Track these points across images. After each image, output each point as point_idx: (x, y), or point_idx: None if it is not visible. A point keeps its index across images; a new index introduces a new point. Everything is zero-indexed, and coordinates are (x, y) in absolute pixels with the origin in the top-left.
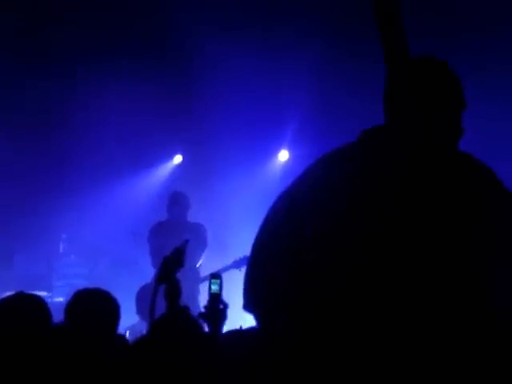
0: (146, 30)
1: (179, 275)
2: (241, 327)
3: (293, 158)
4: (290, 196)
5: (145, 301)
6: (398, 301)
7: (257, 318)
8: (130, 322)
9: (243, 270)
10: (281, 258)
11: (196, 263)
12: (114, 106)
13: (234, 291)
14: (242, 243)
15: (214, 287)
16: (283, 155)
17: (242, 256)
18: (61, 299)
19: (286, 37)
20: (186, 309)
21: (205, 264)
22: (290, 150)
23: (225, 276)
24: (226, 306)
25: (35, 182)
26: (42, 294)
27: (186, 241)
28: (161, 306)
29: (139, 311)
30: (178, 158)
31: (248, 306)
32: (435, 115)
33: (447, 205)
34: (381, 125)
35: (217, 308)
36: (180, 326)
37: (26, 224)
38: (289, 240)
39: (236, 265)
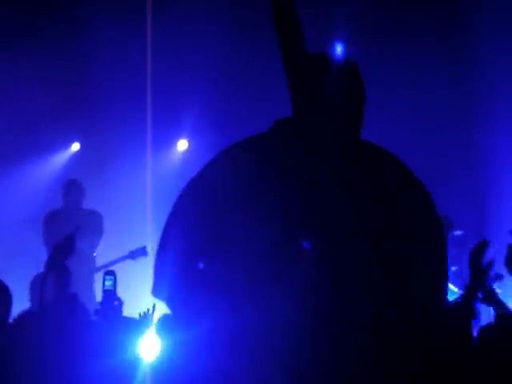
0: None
1: (73, 262)
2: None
3: (192, 147)
4: (199, 184)
5: (37, 289)
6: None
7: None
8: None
9: (138, 260)
10: (187, 251)
11: (92, 251)
12: (10, 89)
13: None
14: (138, 232)
15: (108, 283)
16: (182, 144)
17: (138, 247)
18: None
19: (184, 18)
20: (74, 296)
21: (101, 253)
22: (190, 139)
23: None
24: (120, 302)
25: None
26: None
27: (77, 227)
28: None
29: (32, 300)
30: (75, 146)
31: (157, 295)
32: (337, 108)
33: (356, 191)
34: (287, 117)
35: (111, 305)
36: (67, 312)
37: None
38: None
39: (132, 255)
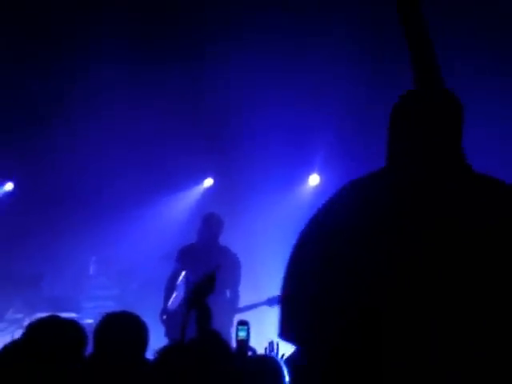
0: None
1: (214, 303)
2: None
3: (324, 182)
4: (319, 223)
5: (172, 324)
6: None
7: (297, 348)
8: (160, 344)
9: (275, 308)
10: (313, 290)
11: (226, 292)
12: (145, 129)
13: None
14: (272, 271)
15: (242, 334)
16: (314, 179)
17: (275, 295)
18: (90, 321)
19: (314, 61)
20: (216, 334)
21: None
22: (321, 174)
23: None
24: (254, 352)
25: (65, 204)
26: (71, 315)
27: (218, 266)
28: (190, 331)
29: (168, 334)
30: (208, 181)
31: (284, 336)
32: (447, 140)
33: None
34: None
35: (244, 355)
36: (211, 350)
37: (56, 245)
38: (320, 272)
39: (269, 302)
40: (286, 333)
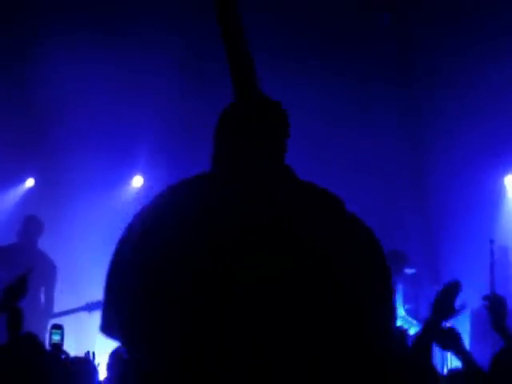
0: None
1: (27, 307)
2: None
3: (147, 183)
4: (144, 218)
5: None
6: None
7: (119, 342)
8: None
9: (94, 313)
10: (136, 282)
11: (41, 297)
12: None
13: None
14: (93, 276)
15: (56, 337)
16: (137, 181)
17: (94, 300)
18: None
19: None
20: (32, 336)
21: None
22: (145, 175)
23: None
24: (67, 355)
25: None
26: None
27: (30, 269)
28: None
29: None
30: (29, 182)
31: (106, 330)
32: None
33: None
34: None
35: (59, 358)
36: (24, 353)
37: None
38: (144, 263)
39: (88, 308)
40: (108, 327)
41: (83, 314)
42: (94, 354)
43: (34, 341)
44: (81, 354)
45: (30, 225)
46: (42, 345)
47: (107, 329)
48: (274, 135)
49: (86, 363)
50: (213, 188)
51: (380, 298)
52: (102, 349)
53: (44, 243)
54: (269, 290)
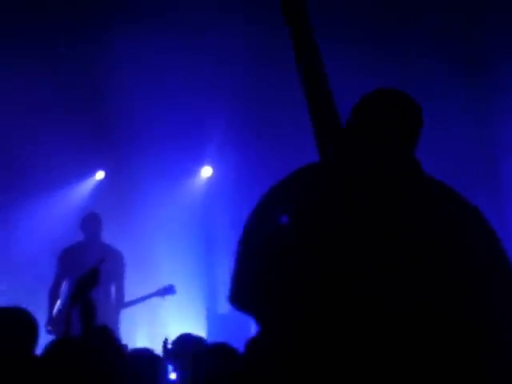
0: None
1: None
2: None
3: (216, 173)
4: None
5: (60, 322)
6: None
7: (250, 315)
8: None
9: (166, 298)
10: (268, 257)
11: (111, 288)
12: (33, 121)
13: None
14: (164, 266)
15: None
16: (206, 171)
17: (166, 285)
18: None
19: (208, 49)
20: (104, 329)
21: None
22: (214, 165)
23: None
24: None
25: None
26: None
27: (101, 260)
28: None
29: (55, 331)
30: (100, 174)
31: (236, 302)
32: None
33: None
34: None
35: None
36: (98, 345)
37: None
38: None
39: (160, 293)
40: (239, 300)
41: (155, 300)
42: (166, 341)
43: (108, 333)
44: (153, 341)
45: (88, 222)
46: (114, 337)
47: (237, 301)
48: (410, 129)
49: (153, 357)
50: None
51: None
52: (174, 334)
53: (115, 234)
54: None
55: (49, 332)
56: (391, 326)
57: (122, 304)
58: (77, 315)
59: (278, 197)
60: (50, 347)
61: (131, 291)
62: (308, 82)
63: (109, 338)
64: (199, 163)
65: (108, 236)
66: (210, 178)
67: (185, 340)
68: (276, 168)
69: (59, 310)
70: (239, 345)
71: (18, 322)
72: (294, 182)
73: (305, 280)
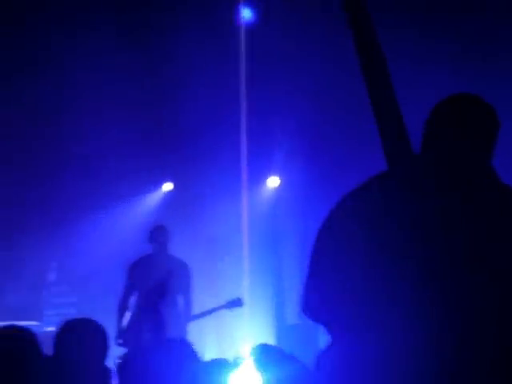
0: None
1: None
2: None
3: (283, 183)
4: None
5: (129, 334)
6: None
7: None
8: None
9: (234, 311)
10: (333, 274)
11: (179, 300)
12: (103, 134)
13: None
14: (231, 277)
15: None
16: (273, 181)
17: (234, 297)
18: (52, 329)
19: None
20: (176, 339)
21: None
22: (281, 175)
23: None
24: None
25: (23, 211)
26: (32, 323)
27: (170, 272)
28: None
29: (124, 341)
30: (167, 186)
31: (309, 312)
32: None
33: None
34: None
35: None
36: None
37: (16, 253)
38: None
39: (228, 305)
40: (312, 310)
41: (223, 312)
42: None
43: (181, 343)
44: (222, 352)
45: (158, 234)
46: (190, 347)
47: (310, 311)
48: (485, 135)
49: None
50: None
51: None
52: (242, 346)
53: (182, 245)
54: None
55: (118, 344)
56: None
57: (189, 316)
58: (147, 327)
59: (349, 208)
60: (124, 358)
61: (199, 303)
62: (372, 85)
63: (189, 351)
64: (266, 173)
65: (175, 248)
66: (276, 188)
67: (263, 350)
68: (345, 179)
69: (129, 322)
70: (308, 355)
71: (91, 333)
72: (366, 192)
73: (388, 292)
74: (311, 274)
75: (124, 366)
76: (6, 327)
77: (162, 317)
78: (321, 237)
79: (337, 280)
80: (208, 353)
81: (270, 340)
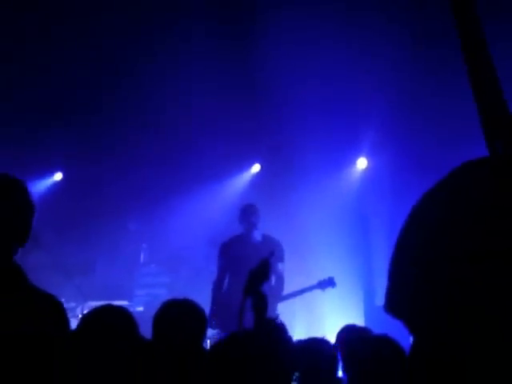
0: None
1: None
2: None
3: (372, 165)
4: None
5: (221, 313)
6: None
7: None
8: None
9: (327, 290)
10: (419, 270)
11: (272, 279)
12: (191, 118)
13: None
14: (321, 256)
15: None
16: (362, 163)
17: (326, 277)
18: (141, 308)
19: (364, 46)
20: (276, 319)
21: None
22: (369, 157)
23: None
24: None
25: (116, 195)
26: (123, 303)
27: (271, 253)
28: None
29: (222, 323)
30: (256, 167)
31: (394, 310)
32: None
33: None
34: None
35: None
36: (272, 336)
37: (108, 234)
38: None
39: (321, 285)
40: (397, 308)
41: (312, 292)
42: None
43: (281, 325)
44: (311, 332)
45: (247, 213)
46: (286, 329)
47: (395, 309)
48: None
49: (326, 343)
50: None
51: None
52: (332, 327)
53: (272, 226)
54: None
55: (212, 326)
56: None
57: (281, 295)
58: (248, 308)
59: (435, 202)
60: (225, 340)
61: (289, 282)
62: (472, 67)
63: (284, 330)
64: (355, 154)
65: (265, 228)
66: (365, 170)
67: (351, 330)
68: (434, 164)
69: (223, 303)
70: (397, 337)
71: (191, 314)
72: (455, 183)
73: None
74: (395, 272)
75: (224, 347)
76: (105, 306)
77: (264, 298)
78: (405, 233)
79: (422, 281)
80: (297, 332)
81: (359, 321)
